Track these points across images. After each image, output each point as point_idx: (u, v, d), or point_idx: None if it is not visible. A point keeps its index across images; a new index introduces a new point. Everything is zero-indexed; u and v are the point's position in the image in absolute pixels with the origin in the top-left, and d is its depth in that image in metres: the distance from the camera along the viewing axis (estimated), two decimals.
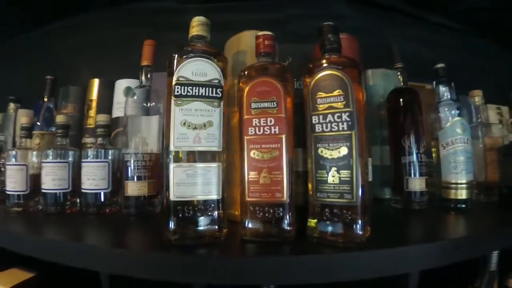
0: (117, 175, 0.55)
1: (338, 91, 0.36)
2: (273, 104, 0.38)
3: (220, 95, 0.38)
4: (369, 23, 0.85)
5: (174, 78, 0.37)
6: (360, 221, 0.34)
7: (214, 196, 0.37)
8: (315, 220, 0.36)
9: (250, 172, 0.38)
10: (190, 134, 0.37)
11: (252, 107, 0.39)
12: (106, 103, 0.68)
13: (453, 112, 0.53)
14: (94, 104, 0.68)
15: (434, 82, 0.57)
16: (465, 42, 0.88)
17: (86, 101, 0.70)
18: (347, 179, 0.34)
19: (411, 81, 0.76)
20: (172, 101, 0.37)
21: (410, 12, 0.84)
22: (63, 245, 0.40)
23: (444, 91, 0.55)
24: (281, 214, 0.37)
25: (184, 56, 0.38)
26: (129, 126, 0.55)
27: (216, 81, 0.39)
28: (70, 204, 0.54)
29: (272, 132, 0.38)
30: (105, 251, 0.37)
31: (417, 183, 0.54)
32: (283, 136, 0.37)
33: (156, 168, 0.56)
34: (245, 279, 0.33)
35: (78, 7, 0.85)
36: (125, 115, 0.57)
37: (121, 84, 0.67)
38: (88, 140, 0.65)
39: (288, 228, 0.37)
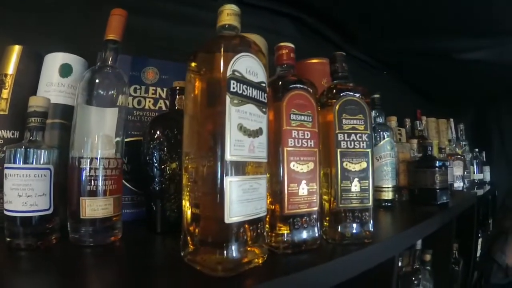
0: (57, 188, 0.33)
1: (359, 115, 0.39)
2: (309, 118, 0.36)
3: (266, 100, 0.32)
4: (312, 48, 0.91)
5: (229, 71, 0.28)
6: (372, 221, 0.38)
7: (264, 213, 0.30)
8: (337, 224, 0.38)
9: (290, 184, 0.34)
10: (246, 142, 0.28)
11: (291, 118, 0.35)
12: (28, 82, 0.38)
13: (383, 133, 0.62)
14: (10, 80, 0.37)
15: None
16: (374, 76, 1.12)
17: None
18: (366, 187, 0.38)
19: None
20: (228, 99, 0.27)
21: (340, 45, 0.94)
22: None
23: (377, 116, 0.65)
24: (314, 222, 0.36)
25: (238, 48, 0.29)
26: (81, 119, 0.35)
27: (264, 84, 0.32)
28: None
29: (308, 145, 0.35)
30: None
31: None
32: (317, 150, 0.36)
33: (120, 179, 0.38)
34: None
35: None
36: (76, 103, 0.36)
37: (56, 59, 0.40)
38: None
39: (318, 235, 0.36)
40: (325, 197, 0.39)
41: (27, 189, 0.30)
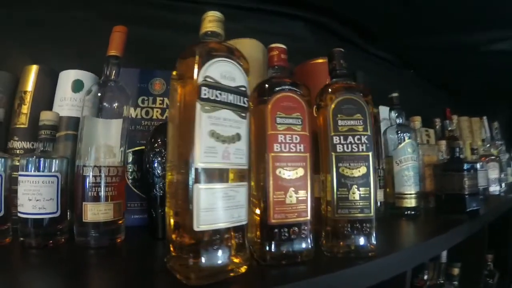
0: (65, 194, 0.36)
1: (357, 115, 0.35)
2: (298, 121, 0.33)
3: (247, 105, 0.30)
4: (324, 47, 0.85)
5: (200, 78, 0.27)
6: (374, 233, 0.33)
7: (243, 221, 0.28)
8: (335, 236, 0.34)
9: (276, 192, 0.32)
10: (219, 148, 0.27)
11: (277, 122, 0.33)
12: (45, 98, 0.43)
13: (404, 135, 0.55)
14: (29, 97, 0.42)
15: (389, 108, 0.60)
16: (398, 75, 1.04)
17: (19, 92, 0.43)
18: (367, 195, 0.34)
19: None
20: (198, 106, 0.26)
21: (359, 44, 0.89)
22: None
23: (397, 116, 0.58)
24: (305, 233, 0.33)
25: (212, 54, 0.29)
26: (87, 130, 0.38)
27: (244, 88, 0.30)
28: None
29: (298, 150, 0.32)
30: None
31: (377, 195, 0.59)
32: (308, 155, 0.33)
33: (121, 186, 0.40)
34: None
35: None
36: (82, 116, 0.39)
37: (69, 76, 0.44)
38: (17, 144, 0.39)
39: (310, 246, 0.33)
40: (322, 206, 0.35)
41: (36, 194, 0.33)
